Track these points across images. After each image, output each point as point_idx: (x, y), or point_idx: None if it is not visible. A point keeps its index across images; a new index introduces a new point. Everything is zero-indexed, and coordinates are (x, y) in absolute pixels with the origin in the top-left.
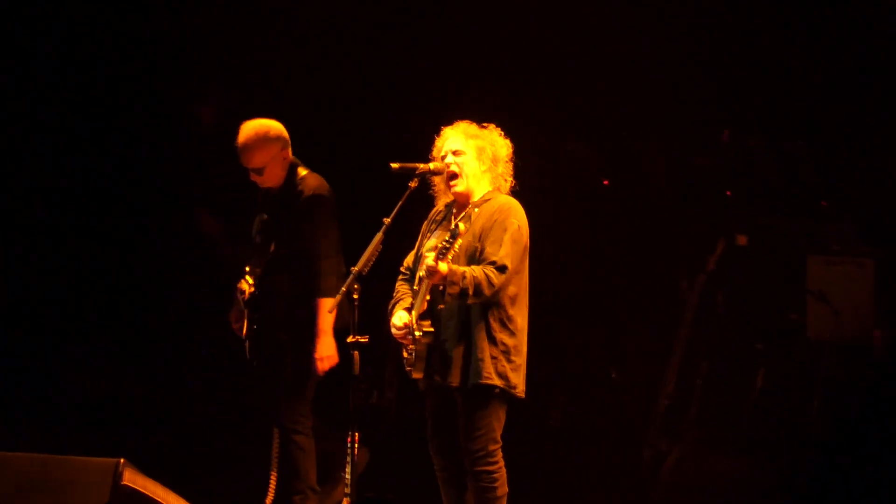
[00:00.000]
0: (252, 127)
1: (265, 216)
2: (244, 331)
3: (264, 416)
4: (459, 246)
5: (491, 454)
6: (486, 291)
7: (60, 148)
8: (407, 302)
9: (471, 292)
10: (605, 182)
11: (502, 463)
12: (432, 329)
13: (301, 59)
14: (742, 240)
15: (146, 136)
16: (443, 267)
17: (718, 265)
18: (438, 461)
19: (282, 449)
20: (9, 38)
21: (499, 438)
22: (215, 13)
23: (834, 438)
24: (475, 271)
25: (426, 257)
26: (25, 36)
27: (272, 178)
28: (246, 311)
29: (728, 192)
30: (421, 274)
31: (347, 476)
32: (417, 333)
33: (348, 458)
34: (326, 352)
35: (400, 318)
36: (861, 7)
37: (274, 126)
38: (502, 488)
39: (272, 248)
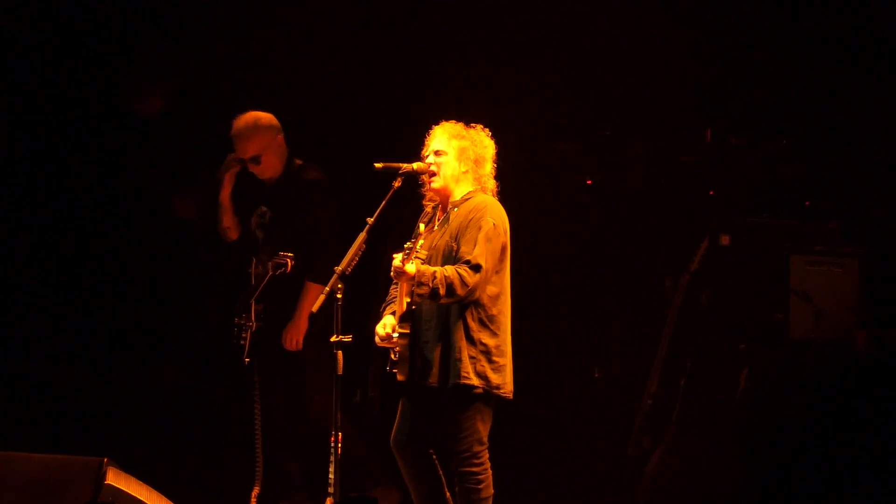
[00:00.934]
0: (244, 117)
1: (264, 209)
2: (253, 326)
3: (268, 411)
4: (423, 245)
5: (476, 455)
6: (460, 291)
7: (44, 145)
8: (395, 305)
9: (442, 292)
10: (589, 181)
11: (488, 464)
12: (407, 331)
13: (289, 57)
14: (725, 239)
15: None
16: (409, 268)
17: (702, 264)
18: (401, 458)
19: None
20: None
21: (485, 440)
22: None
23: (817, 438)
24: (447, 271)
25: (394, 259)
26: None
27: (270, 168)
28: (253, 305)
29: (711, 192)
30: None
31: (331, 476)
32: (394, 336)
33: (332, 458)
34: (295, 334)
35: (384, 325)
36: (843, 5)
37: (264, 115)
38: (487, 490)
39: (276, 239)
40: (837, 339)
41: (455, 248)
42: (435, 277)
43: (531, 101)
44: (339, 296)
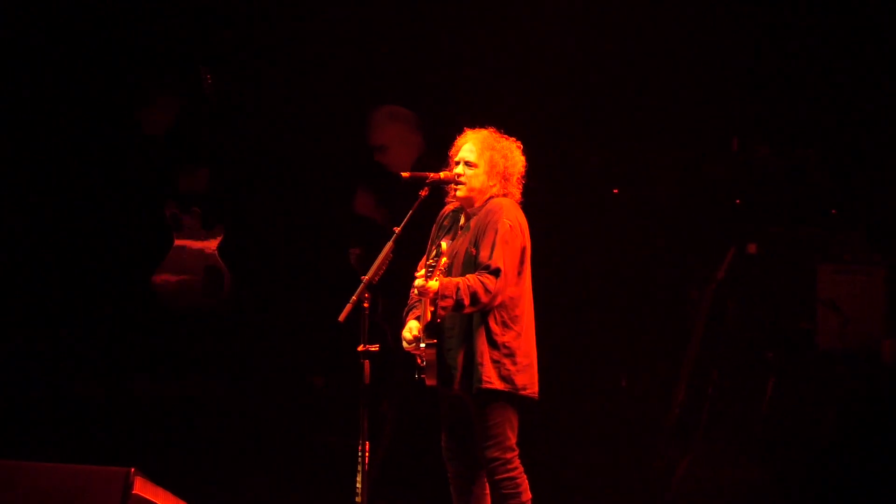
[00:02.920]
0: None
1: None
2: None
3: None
4: (444, 263)
5: (509, 461)
6: (484, 298)
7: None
8: (419, 310)
9: (466, 303)
10: (615, 191)
11: (521, 468)
12: (434, 340)
13: (320, 66)
14: (752, 248)
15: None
16: (433, 284)
17: (728, 274)
18: (451, 468)
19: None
20: None
21: (514, 445)
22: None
23: (844, 447)
24: (469, 280)
25: (416, 278)
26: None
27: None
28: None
29: (738, 201)
30: (419, 283)
31: (359, 484)
32: (422, 345)
33: (359, 467)
34: None
35: (409, 329)
36: (871, 16)
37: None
38: (526, 493)
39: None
40: (864, 349)
41: (474, 254)
42: (458, 290)
43: (558, 112)
44: (365, 305)
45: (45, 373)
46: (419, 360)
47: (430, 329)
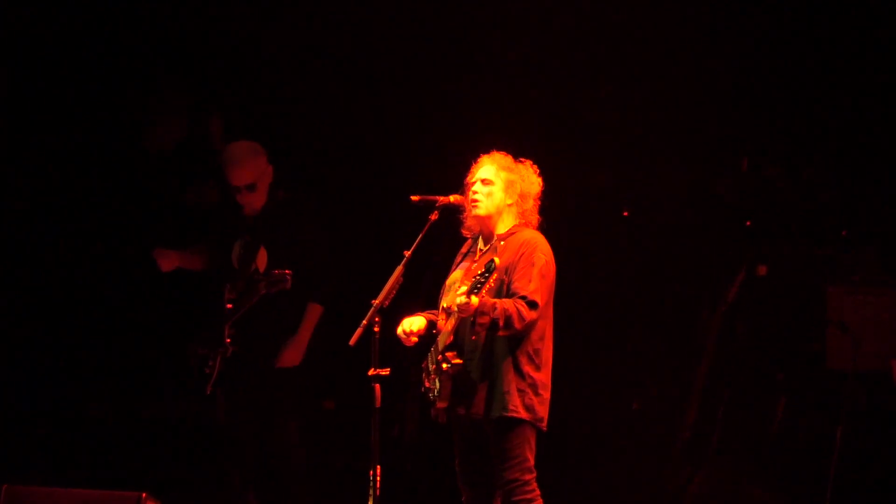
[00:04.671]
0: (239, 145)
1: (248, 238)
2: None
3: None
4: (465, 276)
5: (527, 483)
6: (517, 325)
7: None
8: (422, 321)
9: (501, 324)
10: (625, 213)
11: (539, 492)
12: (461, 361)
13: (326, 86)
14: (762, 269)
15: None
16: (474, 300)
17: (739, 295)
18: (467, 492)
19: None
20: None
21: (533, 468)
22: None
23: (855, 469)
24: (506, 303)
25: (458, 292)
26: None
27: (260, 197)
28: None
29: (748, 222)
30: (444, 305)
31: None
32: (445, 365)
33: (371, 492)
34: (295, 353)
35: (410, 323)
36: (882, 35)
37: (256, 143)
38: None
39: (255, 268)
40: (875, 370)
41: (506, 283)
42: (495, 308)
43: (566, 133)
44: (376, 329)
45: (56, 396)
46: (426, 382)
47: (453, 348)
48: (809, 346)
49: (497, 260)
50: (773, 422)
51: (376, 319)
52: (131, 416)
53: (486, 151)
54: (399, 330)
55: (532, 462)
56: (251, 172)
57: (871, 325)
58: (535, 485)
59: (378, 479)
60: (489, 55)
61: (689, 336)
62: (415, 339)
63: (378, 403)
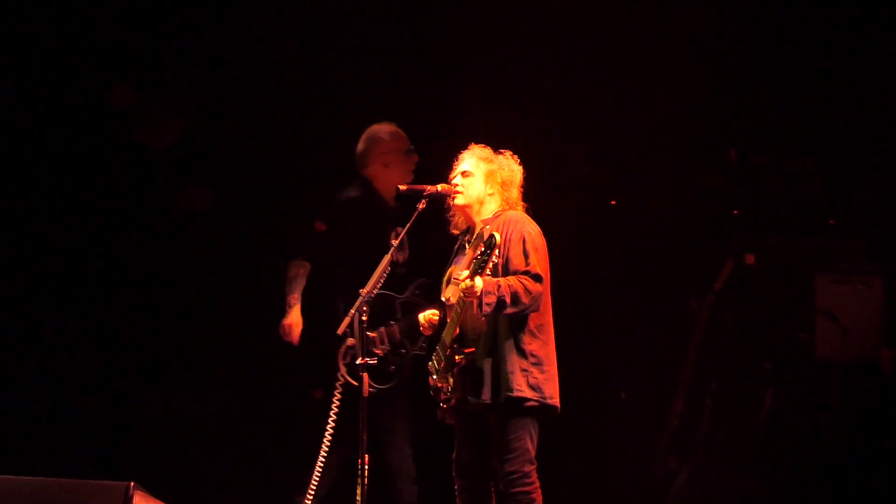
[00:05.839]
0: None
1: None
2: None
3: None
4: (461, 267)
5: (527, 475)
6: (525, 299)
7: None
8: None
9: (508, 301)
10: (613, 202)
11: (538, 483)
12: (473, 349)
13: (309, 81)
14: (750, 259)
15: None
16: (479, 283)
17: (727, 285)
18: (460, 482)
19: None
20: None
21: (533, 459)
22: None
23: (842, 458)
24: (510, 280)
25: (461, 278)
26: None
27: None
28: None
29: (735, 212)
30: (444, 298)
31: (359, 499)
32: (458, 357)
33: (359, 480)
34: None
35: (432, 314)
36: (867, 26)
37: None
38: None
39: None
40: (863, 358)
41: (500, 264)
42: (500, 287)
43: (555, 124)
44: (364, 318)
45: (44, 385)
46: (431, 379)
47: (458, 341)
48: (797, 335)
49: (497, 235)
50: (761, 412)
51: (364, 309)
52: (120, 405)
53: (474, 143)
54: (420, 317)
55: (533, 453)
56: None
57: (859, 313)
58: (535, 476)
59: (366, 468)
60: (478, 52)
61: (677, 326)
62: (430, 329)
63: (366, 392)
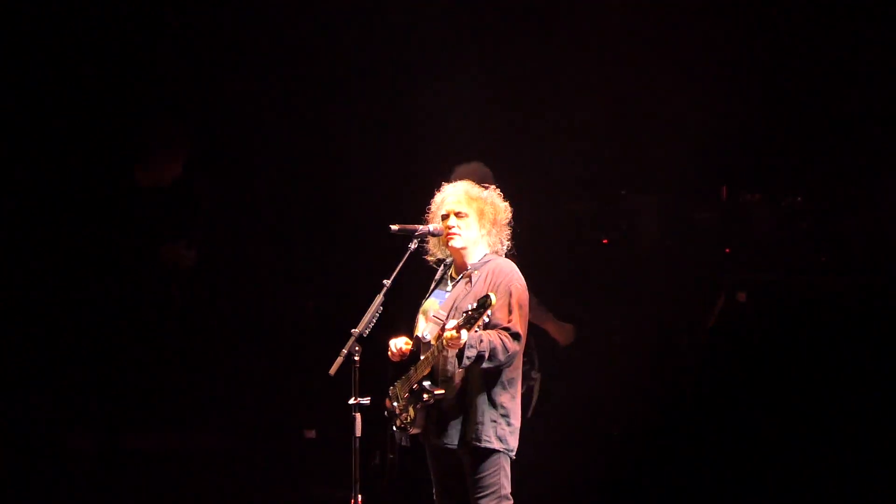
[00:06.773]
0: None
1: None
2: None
3: None
4: (443, 306)
5: None
6: (501, 357)
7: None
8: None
9: (486, 356)
10: (605, 241)
11: None
12: (443, 391)
13: (294, 118)
14: (742, 296)
15: None
16: (464, 336)
17: (718, 321)
18: None
19: None
20: None
21: (509, 495)
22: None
23: None
24: (491, 336)
25: (447, 327)
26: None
27: None
28: None
29: (727, 249)
30: (418, 334)
31: None
32: (426, 395)
33: None
34: None
35: (403, 342)
36: (857, 66)
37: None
38: None
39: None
40: None
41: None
42: (481, 341)
43: (546, 161)
44: (356, 358)
45: (39, 427)
46: (389, 403)
47: (430, 378)
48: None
49: (493, 297)
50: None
51: (357, 348)
52: (113, 446)
53: (461, 179)
54: (392, 344)
55: (508, 489)
56: None
57: None
58: None
59: None
60: (469, 83)
61: (668, 362)
62: (399, 358)
63: (359, 432)
